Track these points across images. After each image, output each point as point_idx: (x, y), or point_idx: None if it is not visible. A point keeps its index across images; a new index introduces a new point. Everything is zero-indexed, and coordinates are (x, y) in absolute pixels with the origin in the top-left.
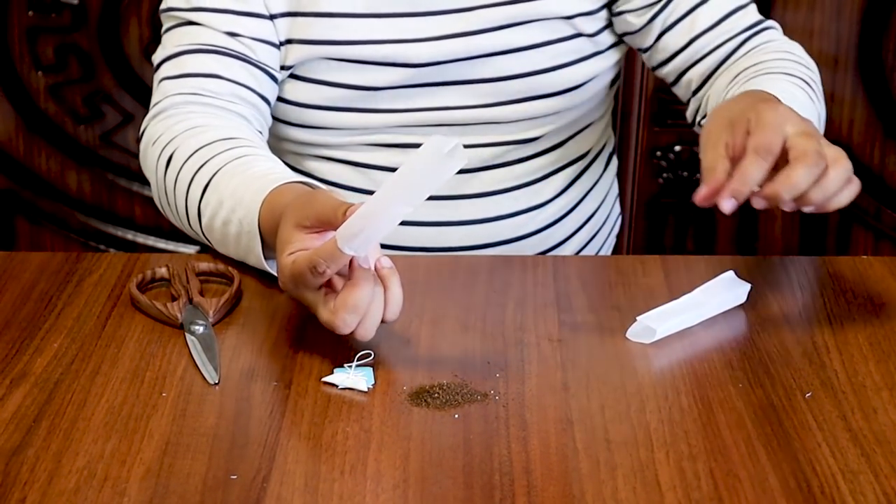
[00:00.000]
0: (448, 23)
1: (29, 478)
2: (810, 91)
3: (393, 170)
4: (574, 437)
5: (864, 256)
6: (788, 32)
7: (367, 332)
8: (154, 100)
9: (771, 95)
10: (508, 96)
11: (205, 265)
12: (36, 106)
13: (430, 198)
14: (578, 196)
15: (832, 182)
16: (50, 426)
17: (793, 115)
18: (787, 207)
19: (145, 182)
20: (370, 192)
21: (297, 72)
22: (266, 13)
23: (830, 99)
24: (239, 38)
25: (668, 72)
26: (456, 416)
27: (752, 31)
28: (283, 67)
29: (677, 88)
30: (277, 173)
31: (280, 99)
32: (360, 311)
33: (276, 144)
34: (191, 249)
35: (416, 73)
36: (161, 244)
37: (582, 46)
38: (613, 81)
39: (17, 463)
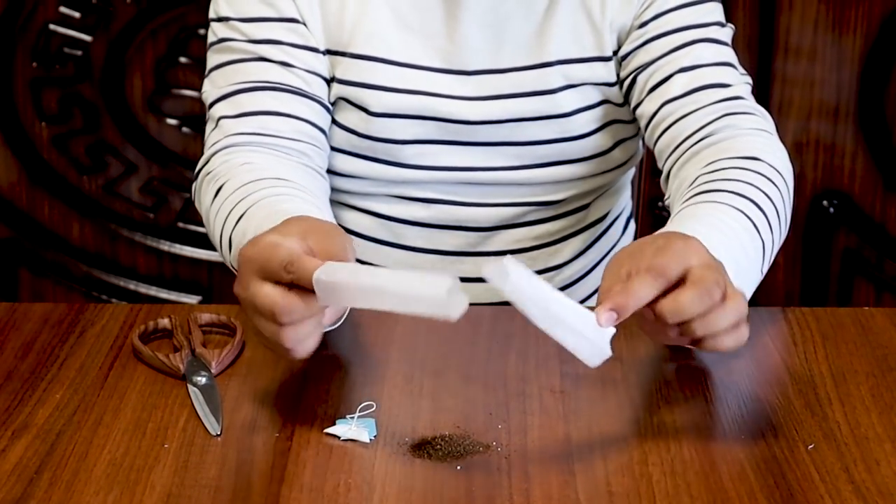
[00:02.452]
0: (482, 84)
1: None
2: (760, 218)
3: (414, 223)
4: (576, 489)
5: (866, 307)
6: (789, 84)
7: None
8: (214, 138)
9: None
10: (536, 160)
11: (207, 316)
12: (39, 156)
13: (452, 253)
14: (596, 259)
15: (720, 318)
16: (52, 478)
17: (703, 251)
18: (672, 339)
19: (147, 232)
20: (390, 244)
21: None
22: (321, 48)
23: (831, 149)
24: (293, 69)
25: (647, 140)
26: (458, 467)
27: (720, 107)
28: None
29: (660, 165)
30: (301, 211)
31: None
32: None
33: None
34: (193, 300)
35: (444, 129)
36: (163, 294)
37: (608, 113)
38: (637, 149)
39: None
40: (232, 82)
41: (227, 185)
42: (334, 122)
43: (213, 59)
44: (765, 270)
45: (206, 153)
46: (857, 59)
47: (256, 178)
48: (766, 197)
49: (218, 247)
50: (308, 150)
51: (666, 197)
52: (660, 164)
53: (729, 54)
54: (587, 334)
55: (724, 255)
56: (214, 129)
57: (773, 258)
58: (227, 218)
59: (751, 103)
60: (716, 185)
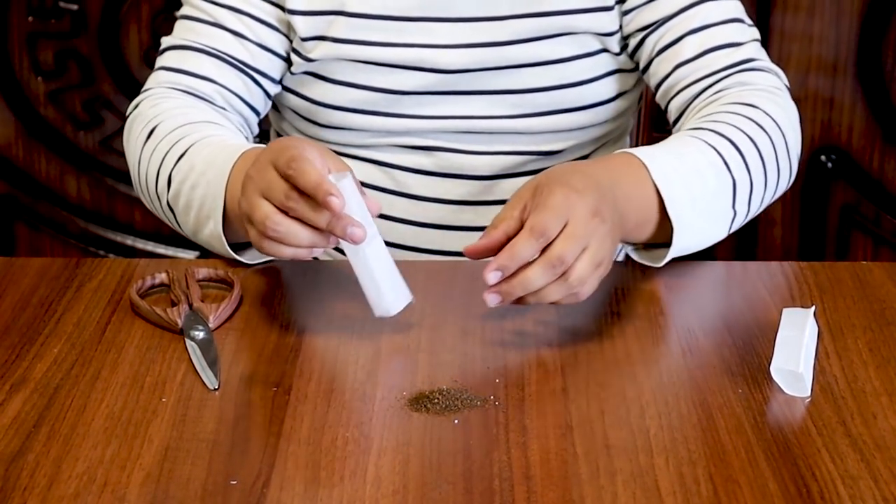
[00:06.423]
0: (478, 31)
1: (29, 483)
2: (735, 157)
3: (417, 171)
4: (574, 443)
5: (864, 262)
6: (788, 38)
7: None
8: (148, 84)
9: (636, 160)
10: (534, 109)
11: (204, 271)
12: (36, 111)
13: (455, 202)
14: None
15: (551, 292)
16: (50, 431)
17: (583, 204)
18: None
19: None
20: (394, 192)
21: (325, 73)
22: (275, 23)
23: (829, 104)
24: (244, 41)
25: (659, 100)
26: (455, 421)
27: (733, 70)
28: (308, 59)
29: (671, 126)
30: (253, 145)
31: (308, 99)
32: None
33: None
34: (191, 255)
35: (442, 79)
36: (161, 249)
37: (608, 62)
38: (638, 99)
39: (17, 468)
40: (185, 38)
41: (161, 127)
42: (334, 81)
43: (182, 10)
44: (743, 210)
45: (138, 98)
46: (855, 13)
47: (191, 122)
48: (747, 139)
49: (144, 186)
50: (233, 120)
51: None
52: (671, 125)
53: (735, 9)
54: (382, 289)
55: (674, 178)
56: (153, 74)
57: (758, 203)
58: (164, 157)
59: (762, 62)
60: (700, 125)
